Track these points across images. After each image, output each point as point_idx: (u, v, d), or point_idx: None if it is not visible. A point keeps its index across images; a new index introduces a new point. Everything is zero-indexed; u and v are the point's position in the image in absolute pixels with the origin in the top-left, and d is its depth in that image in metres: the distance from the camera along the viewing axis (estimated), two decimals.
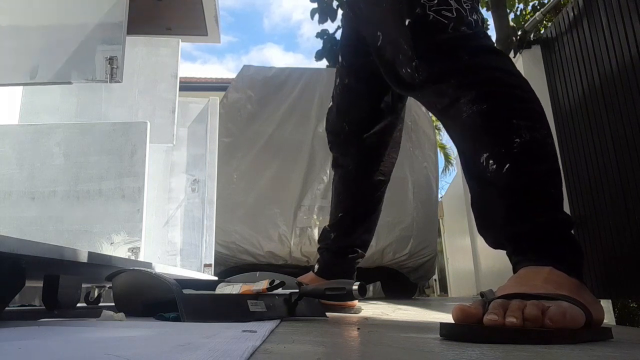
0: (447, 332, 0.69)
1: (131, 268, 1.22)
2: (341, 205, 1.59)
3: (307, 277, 1.58)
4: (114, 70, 1.35)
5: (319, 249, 1.63)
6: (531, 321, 0.65)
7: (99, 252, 1.64)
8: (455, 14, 1.04)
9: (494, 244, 1.00)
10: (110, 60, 1.36)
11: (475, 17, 1.06)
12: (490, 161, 0.91)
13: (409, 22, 1.06)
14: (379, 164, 1.56)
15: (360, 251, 1.61)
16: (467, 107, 0.96)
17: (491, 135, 0.93)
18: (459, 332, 0.68)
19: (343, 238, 1.57)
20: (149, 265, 1.53)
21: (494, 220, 0.96)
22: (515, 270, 0.88)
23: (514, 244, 0.92)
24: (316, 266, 1.61)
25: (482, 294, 0.77)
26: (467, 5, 1.05)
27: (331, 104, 1.59)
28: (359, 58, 1.42)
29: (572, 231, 0.91)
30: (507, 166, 0.89)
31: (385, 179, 1.60)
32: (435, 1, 1.05)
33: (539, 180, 0.93)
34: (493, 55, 1.02)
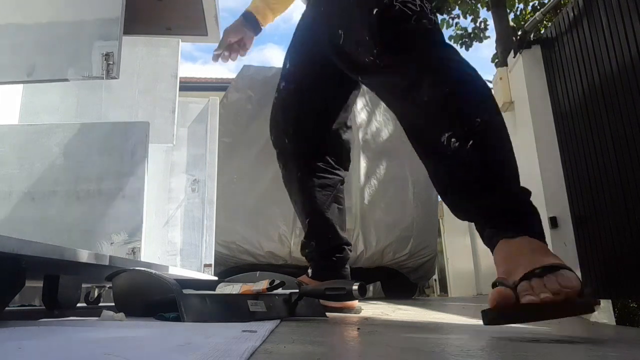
0: (494, 317, 0.76)
1: (135, 268, 1.22)
2: (304, 212, 1.58)
3: (304, 279, 1.58)
4: (110, 66, 1.34)
5: (305, 256, 1.63)
6: (555, 293, 0.72)
7: (99, 252, 1.64)
8: (418, 8, 1.14)
9: (466, 216, 1.08)
10: (107, 56, 1.34)
11: (434, 17, 1.16)
12: (453, 139, 0.97)
13: (376, 11, 1.14)
14: (330, 163, 1.60)
15: (346, 248, 1.62)
16: (428, 91, 1.03)
17: (453, 116, 1.00)
18: (505, 316, 0.75)
19: (323, 243, 1.57)
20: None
21: (462, 193, 1.02)
22: (491, 243, 0.96)
23: (486, 216, 0.99)
24: (309, 270, 1.60)
25: (497, 283, 0.83)
26: (428, 5, 1.17)
27: (273, 112, 1.61)
28: (311, 62, 1.47)
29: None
30: (470, 142, 0.95)
31: (343, 175, 1.64)
32: None
33: (503, 155, 0.99)
34: (449, 48, 1.12)
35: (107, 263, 1.15)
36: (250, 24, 1.65)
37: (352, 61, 1.25)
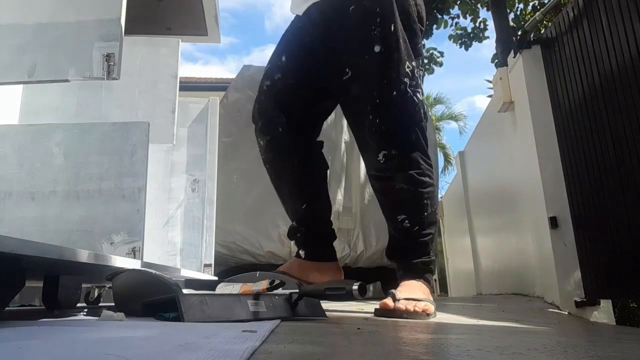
0: (378, 314, 1.35)
1: (135, 268, 1.22)
2: (300, 198, 1.72)
3: (294, 266, 1.64)
4: (111, 67, 1.34)
5: (296, 240, 1.77)
6: (414, 307, 1.31)
7: (99, 252, 1.64)
8: (421, 98, 1.55)
9: (391, 259, 1.63)
10: (108, 57, 1.35)
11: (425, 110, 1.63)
12: (406, 221, 1.51)
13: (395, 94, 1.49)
14: (317, 155, 1.77)
15: (334, 234, 1.81)
16: (398, 183, 1.50)
17: (410, 206, 1.52)
18: (383, 314, 1.33)
19: (319, 226, 1.75)
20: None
21: (400, 251, 1.57)
22: (401, 279, 1.50)
23: (406, 266, 1.52)
24: (302, 253, 1.72)
25: (390, 293, 1.39)
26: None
27: (262, 99, 1.73)
28: (305, 68, 1.63)
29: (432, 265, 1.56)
30: (416, 227, 1.52)
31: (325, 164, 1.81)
32: (414, 82, 1.52)
33: (429, 238, 1.54)
34: (425, 139, 1.56)
35: (107, 263, 1.15)
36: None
37: (348, 96, 1.57)
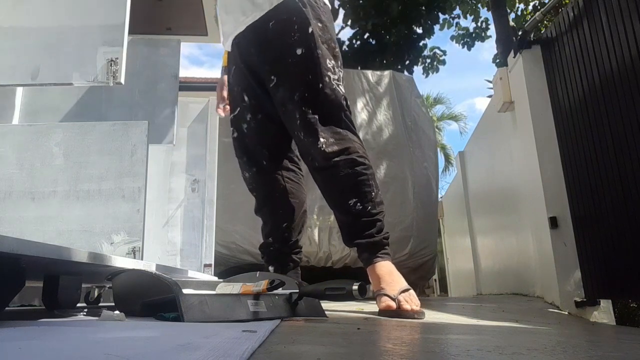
0: (381, 315, 1.40)
1: (135, 268, 1.22)
2: (284, 219, 1.87)
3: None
4: (115, 72, 1.35)
5: (268, 255, 1.94)
6: (415, 306, 1.41)
7: (99, 252, 1.64)
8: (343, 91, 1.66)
9: (351, 245, 1.63)
10: (112, 62, 1.36)
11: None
12: (358, 204, 1.58)
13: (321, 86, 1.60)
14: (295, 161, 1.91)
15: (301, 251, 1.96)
16: (343, 169, 1.57)
17: (358, 189, 1.58)
18: (388, 314, 1.39)
19: (292, 246, 1.90)
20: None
21: (356, 234, 1.59)
22: (365, 262, 1.57)
23: (369, 248, 1.57)
24: (271, 268, 1.87)
25: (381, 294, 1.45)
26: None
27: (239, 144, 1.87)
28: (268, 93, 1.73)
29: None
30: (369, 207, 1.58)
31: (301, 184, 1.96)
32: (337, 77, 1.63)
33: (382, 215, 1.61)
34: (354, 127, 1.66)
35: (107, 263, 1.15)
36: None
37: (278, 100, 1.68)
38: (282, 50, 1.63)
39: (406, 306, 1.40)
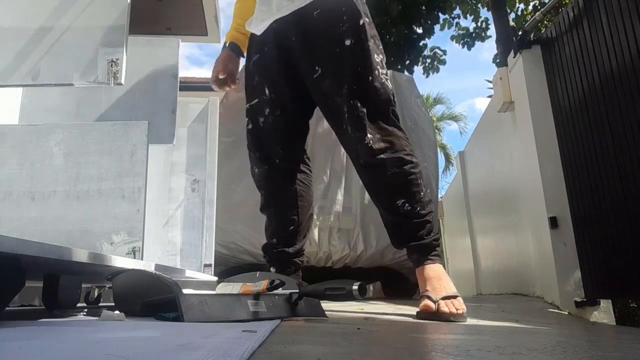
0: (418, 316, 1.41)
1: (135, 268, 1.22)
2: (292, 222, 1.82)
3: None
4: (115, 72, 1.36)
5: (270, 256, 1.88)
6: (456, 310, 1.37)
7: (99, 252, 1.64)
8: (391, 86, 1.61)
9: (399, 247, 1.63)
10: (112, 62, 1.36)
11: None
12: (406, 204, 1.53)
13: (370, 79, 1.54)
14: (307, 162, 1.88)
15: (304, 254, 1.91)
16: (390, 168, 1.52)
17: (406, 189, 1.53)
18: (426, 317, 1.38)
19: (297, 248, 1.84)
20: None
21: (406, 236, 1.56)
22: (415, 263, 1.54)
23: (419, 250, 1.53)
24: (272, 269, 1.81)
25: (425, 296, 1.45)
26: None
27: (253, 138, 1.81)
28: (292, 88, 1.69)
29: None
30: (418, 208, 1.53)
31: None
32: (385, 72, 1.57)
33: (431, 216, 1.57)
34: (399, 122, 1.60)
35: (107, 263, 1.15)
36: (236, 53, 1.91)
37: (321, 93, 1.61)
38: (330, 40, 1.56)
39: (444, 309, 1.36)
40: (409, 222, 1.53)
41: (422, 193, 1.55)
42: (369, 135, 1.51)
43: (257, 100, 1.77)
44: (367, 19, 1.59)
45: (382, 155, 1.51)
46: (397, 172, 1.51)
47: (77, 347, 0.55)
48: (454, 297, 1.41)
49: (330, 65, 1.56)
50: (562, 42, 2.44)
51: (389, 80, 1.59)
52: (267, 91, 1.73)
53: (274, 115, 1.72)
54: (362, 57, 1.54)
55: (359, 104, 1.52)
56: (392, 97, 1.58)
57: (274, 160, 1.77)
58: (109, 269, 1.19)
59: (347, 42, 1.53)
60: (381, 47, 1.65)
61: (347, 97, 1.52)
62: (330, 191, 3.31)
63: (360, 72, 1.54)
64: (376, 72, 1.54)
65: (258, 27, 1.71)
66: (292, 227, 1.81)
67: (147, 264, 1.41)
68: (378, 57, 1.57)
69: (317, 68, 1.57)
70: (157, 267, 1.46)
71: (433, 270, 1.49)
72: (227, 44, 1.92)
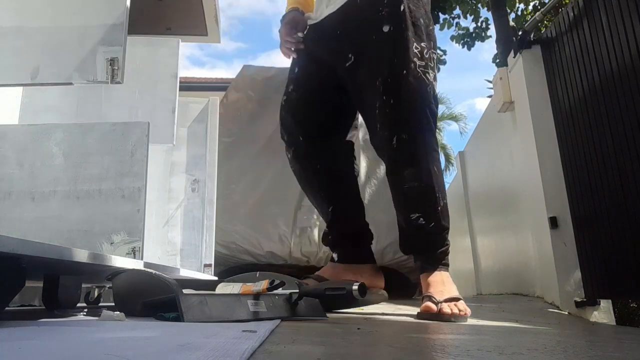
0: (419, 317, 1.39)
1: (134, 268, 1.22)
2: (327, 201, 1.72)
3: (328, 270, 1.65)
4: (115, 71, 1.36)
5: (328, 243, 1.76)
6: (458, 310, 1.36)
7: (99, 252, 1.64)
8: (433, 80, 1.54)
9: (406, 253, 1.65)
10: (111, 61, 1.36)
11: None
12: (421, 219, 1.48)
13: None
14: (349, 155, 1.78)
15: (368, 234, 1.78)
16: (408, 181, 1.47)
17: (422, 203, 1.48)
18: (427, 317, 1.36)
19: (344, 228, 1.71)
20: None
21: (414, 247, 1.57)
22: (422, 269, 1.53)
23: (428, 260, 1.52)
24: (335, 255, 1.70)
25: (427, 297, 1.43)
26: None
27: (281, 120, 1.73)
28: (315, 74, 1.64)
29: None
30: (432, 224, 1.49)
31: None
32: (424, 63, 1.48)
33: (446, 231, 1.54)
34: (435, 123, 1.52)
35: (107, 263, 1.15)
36: (301, 14, 1.74)
37: (355, 83, 1.54)
38: (366, 25, 1.46)
39: (446, 310, 1.34)
40: (420, 235, 1.49)
41: (439, 208, 1.48)
42: (396, 136, 1.43)
43: (287, 80, 1.73)
44: (411, 6, 1.47)
45: (402, 165, 1.46)
46: (414, 185, 1.46)
47: (77, 347, 0.55)
48: (457, 299, 1.39)
49: (366, 52, 1.46)
50: (562, 42, 2.44)
51: (429, 73, 1.46)
52: (296, 69, 1.70)
53: (296, 92, 1.68)
54: (399, 47, 1.43)
55: (391, 101, 1.43)
56: (429, 92, 1.46)
57: (298, 138, 1.71)
58: (109, 269, 1.19)
59: (385, 29, 1.43)
60: (431, 27, 1.53)
61: (380, 91, 1.44)
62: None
63: (397, 63, 1.43)
64: (412, 65, 1.43)
65: (315, 18, 1.65)
66: (330, 208, 1.75)
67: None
68: (417, 48, 1.45)
69: (350, 56, 1.49)
70: (147, 264, 1.46)
71: (436, 275, 1.48)
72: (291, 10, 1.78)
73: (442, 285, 1.45)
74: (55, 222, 1.79)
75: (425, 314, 1.37)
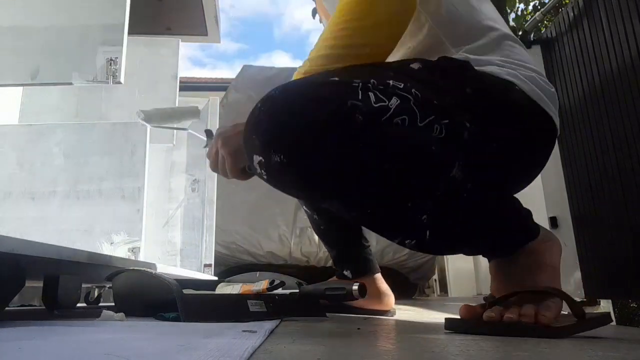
0: (450, 326, 0.81)
1: (134, 268, 1.22)
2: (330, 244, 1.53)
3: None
4: (114, 71, 1.36)
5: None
6: (527, 317, 0.72)
7: (99, 252, 1.64)
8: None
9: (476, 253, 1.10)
10: (111, 61, 1.36)
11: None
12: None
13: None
14: None
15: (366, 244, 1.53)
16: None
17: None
18: (459, 325, 0.80)
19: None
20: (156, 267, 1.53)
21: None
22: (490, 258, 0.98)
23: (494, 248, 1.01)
24: (347, 273, 1.48)
25: (485, 299, 0.85)
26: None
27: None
28: None
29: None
30: None
31: None
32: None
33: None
34: None
35: (107, 263, 1.15)
36: None
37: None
38: None
39: (489, 313, 0.85)
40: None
41: None
42: None
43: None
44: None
45: None
46: None
47: (77, 347, 0.55)
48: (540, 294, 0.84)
49: None
50: (562, 42, 2.44)
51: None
52: None
53: None
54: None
55: None
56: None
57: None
58: (109, 269, 1.20)
59: None
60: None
61: None
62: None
63: None
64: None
65: None
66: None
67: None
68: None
69: None
70: (146, 264, 1.46)
71: (508, 261, 0.98)
72: None
73: (512, 275, 0.99)
74: (55, 222, 1.79)
75: (458, 322, 0.86)
